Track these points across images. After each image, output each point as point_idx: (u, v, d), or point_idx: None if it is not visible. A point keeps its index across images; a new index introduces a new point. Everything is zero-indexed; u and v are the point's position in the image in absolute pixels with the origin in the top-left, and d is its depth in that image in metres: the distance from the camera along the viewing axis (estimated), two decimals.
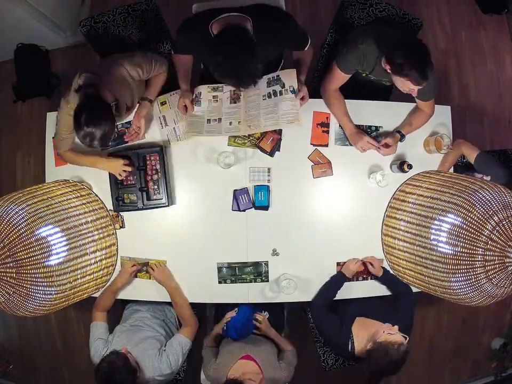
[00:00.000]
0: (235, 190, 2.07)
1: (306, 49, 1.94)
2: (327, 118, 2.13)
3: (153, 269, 2.06)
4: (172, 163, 2.10)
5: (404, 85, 1.77)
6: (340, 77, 1.98)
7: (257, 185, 2.07)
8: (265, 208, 2.08)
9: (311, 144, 2.12)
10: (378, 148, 2.03)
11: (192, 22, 1.76)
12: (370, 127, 2.15)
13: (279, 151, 2.10)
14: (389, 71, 1.78)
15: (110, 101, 1.77)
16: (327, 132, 2.12)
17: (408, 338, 1.79)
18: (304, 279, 2.10)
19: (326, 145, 2.12)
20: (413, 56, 1.68)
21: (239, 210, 2.07)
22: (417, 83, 1.72)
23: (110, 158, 2.02)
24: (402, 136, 2.07)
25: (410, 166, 2.02)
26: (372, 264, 2.07)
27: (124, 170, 1.99)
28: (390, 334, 1.78)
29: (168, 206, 2.03)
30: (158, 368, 1.89)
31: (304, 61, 2.02)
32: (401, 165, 2.02)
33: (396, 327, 1.81)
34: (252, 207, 2.07)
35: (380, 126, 2.16)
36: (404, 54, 1.68)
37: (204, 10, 1.75)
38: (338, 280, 2.08)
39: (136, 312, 2.17)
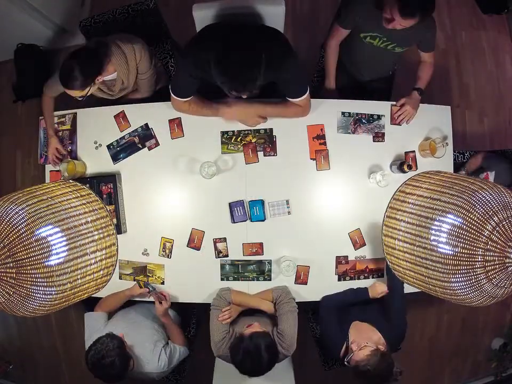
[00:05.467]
0: (230, 203, 2.06)
1: (298, 100, 1.88)
2: (321, 129, 2.10)
3: (160, 303, 1.96)
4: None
5: (390, 12, 1.74)
6: (338, 32, 2.07)
7: (251, 201, 2.06)
8: (262, 221, 2.07)
9: (311, 159, 2.10)
10: (398, 117, 2.10)
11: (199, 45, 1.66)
12: (372, 115, 2.13)
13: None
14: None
15: (111, 71, 1.88)
16: (325, 144, 2.09)
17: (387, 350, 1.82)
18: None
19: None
20: None
21: (234, 222, 2.07)
22: (403, 14, 1.70)
23: None
24: (420, 91, 2.09)
25: (410, 167, 2.02)
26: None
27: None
28: (357, 349, 1.83)
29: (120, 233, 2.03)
30: (152, 362, 1.84)
31: (281, 109, 1.96)
32: (401, 165, 2.02)
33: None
34: (247, 220, 2.07)
35: (382, 115, 2.14)
36: None
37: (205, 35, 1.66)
38: (361, 293, 2.07)
39: (130, 312, 2.10)
